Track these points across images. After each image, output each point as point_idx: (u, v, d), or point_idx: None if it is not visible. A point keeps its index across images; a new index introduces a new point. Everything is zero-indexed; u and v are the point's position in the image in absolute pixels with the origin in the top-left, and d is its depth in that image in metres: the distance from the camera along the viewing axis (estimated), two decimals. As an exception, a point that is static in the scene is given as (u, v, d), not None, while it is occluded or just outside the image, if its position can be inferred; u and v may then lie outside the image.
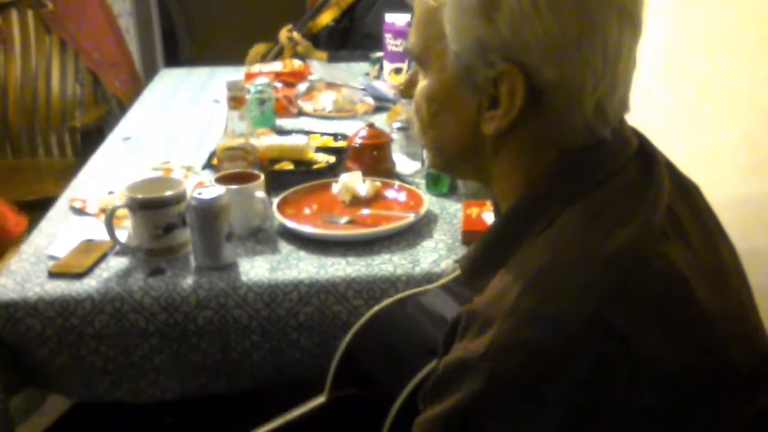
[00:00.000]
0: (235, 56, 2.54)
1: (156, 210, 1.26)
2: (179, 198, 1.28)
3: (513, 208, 0.72)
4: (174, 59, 4.04)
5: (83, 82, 2.83)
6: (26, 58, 2.82)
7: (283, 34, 2.71)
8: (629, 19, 0.67)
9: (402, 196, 1.52)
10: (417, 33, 0.74)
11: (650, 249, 0.64)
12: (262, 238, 1.38)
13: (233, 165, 1.47)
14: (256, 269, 1.27)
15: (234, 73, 2.17)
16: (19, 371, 1.23)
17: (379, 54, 2.32)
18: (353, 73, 2.42)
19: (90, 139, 2.55)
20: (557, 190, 0.69)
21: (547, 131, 0.69)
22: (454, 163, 0.80)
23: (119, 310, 1.21)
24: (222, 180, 1.38)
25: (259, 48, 2.91)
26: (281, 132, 1.88)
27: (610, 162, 0.69)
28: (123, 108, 2.69)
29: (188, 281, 1.24)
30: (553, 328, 0.59)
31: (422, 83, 0.75)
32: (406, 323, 1.05)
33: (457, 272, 0.95)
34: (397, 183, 1.56)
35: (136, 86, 2.88)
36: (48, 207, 1.57)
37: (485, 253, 0.74)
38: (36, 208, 2.27)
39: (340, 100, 2.14)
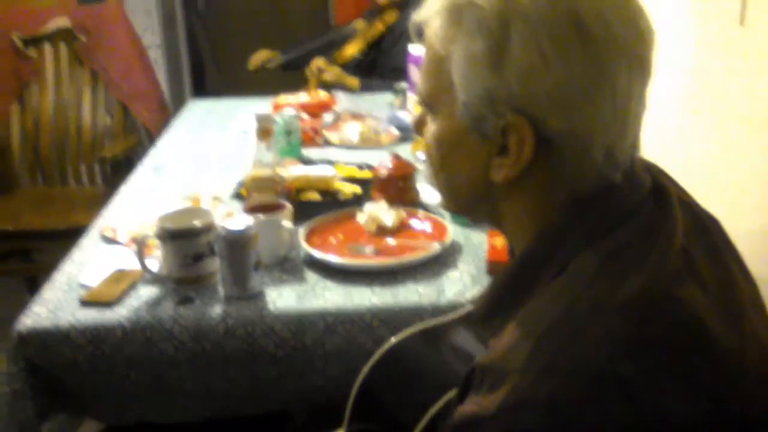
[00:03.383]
0: (261, 87, 2.58)
1: (185, 240, 1.28)
2: (208, 228, 1.31)
3: (525, 253, 0.72)
4: (202, 90, 4.11)
5: (113, 112, 2.89)
6: (58, 89, 2.89)
7: (314, 65, 2.76)
8: (639, 64, 0.68)
9: (427, 226, 1.53)
10: (426, 79, 0.75)
11: (663, 294, 0.63)
12: (288, 267, 1.39)
13: (261, 195, 1.49)
14: (283, 298, 1.29)
15: (261, 104, 2.21)
16: (53, 396, 1.26)
17: (404, 85, 2.35)
18: (378, 103, 2.45)
19: (119, 168, 2.59)
20: (569, 235, 0.69)
21: (557, 177, 0.70)
22: (466, 206, 0.80)
23: (150, 339, 1.23)
24: (250, 210, 1.40)
25: (261, 54, 2.97)
26: (308, 162, 1.91)
27: (621, 206, 0.69)
28: (152, 138, 2.74)
29: (217, 310, 1.26)
30: (566, 384, 0.58)
31: (432, 127, 0.76)
32: (424, 355, 1.06)
33: (470, 308, 0.95)
34: (422, 213, 1.57)
35: (164, 117, 2.93)
36: (79, 235, 1.60)
37: (499, 297, 0.74)
38: (67, 237, 2.32)
39: (365, 130, 2.16)
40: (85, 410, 1.30)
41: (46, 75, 2.87)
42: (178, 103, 3.27)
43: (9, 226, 2.53)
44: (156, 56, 3.37)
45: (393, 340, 1.04)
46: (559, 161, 0.68)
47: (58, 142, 2.86)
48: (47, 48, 2.88)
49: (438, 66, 0.71)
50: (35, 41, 2.87)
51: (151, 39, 3.37)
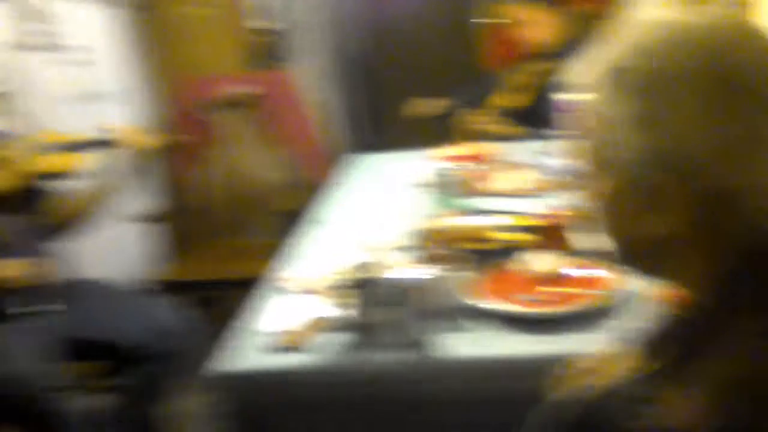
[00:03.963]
0: (415, 141, 2.69)
1: (362, 289, 1.39)
2: (380, 278, 1.41)
3: (692, 311, 0.72)
4: (362, 145, 4.29)
5: (283, 169, 3.13)
6: (236, 149, 3.18)
7: (468, 117, 2.84)
8: None
9: (586, 275, 1.54)
10: (579, 138, 0.76)
11: None
12: (455, 316, 1.46)
13: (428, 246, 1.59)
14: (451, 347, 1.36)
15: (417, 158, 2.32)
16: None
17: (554, 132, 2.37)
18: (530, 152, 2.48)
19: (290, 221, 2.79)
20: (739, 295, 0.68)
21: (723, 234, 0.70)
22: (630, 261, 0.80)
23: (333, 383, 1.35)
24: (418, 261, 1.50)
25: (422, 104, 3.05)
26: (466, 213, 1.98)
27: None
28: (318, 193, 2.92)
29: (390, 357, 1.35)
30: None
31: (592, 183, 0.77)
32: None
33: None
34: (580, 261, 1.58)
35: (329, 172, 3.13)
36: (254, 284, 1.75)
37: (662, 354, 0.74)
38: (244, 286, 2.53)
39: (520, 179, 2.21)
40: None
41: (226, 137, 3.16)
42: (340, 159, 3.47)
43: (203, 276, 2.80)
44: (319, 113, 3.59)
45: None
46: (723, 217, 0.68)
47: (241, 198, 3.14)
48: (230, 112, 3.18)
49: (591, 125, 0.74)
50: (217, 106, 3.18)
51: (320, 97, 3.60)
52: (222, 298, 2.99)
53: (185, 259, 3.07)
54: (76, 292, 2.15)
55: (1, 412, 1.86)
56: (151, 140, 2.27)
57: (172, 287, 2.72)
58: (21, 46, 3.08)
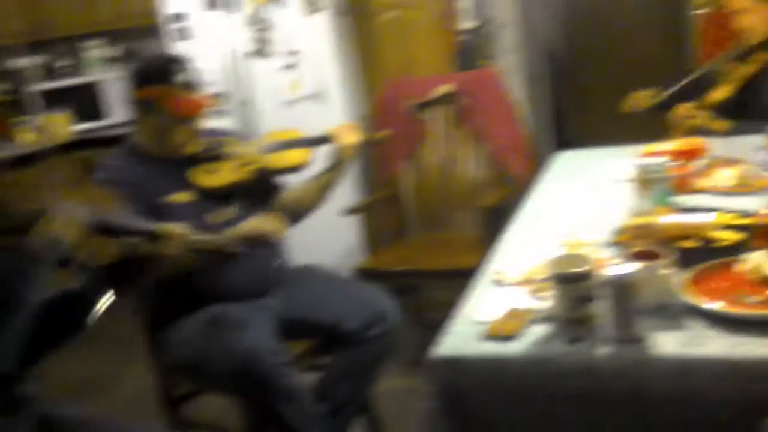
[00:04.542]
0: (620, 137, 2.63)
1: (574, 283, 1.42)
2: (591, 273, 1.43)
3: None
4: (564, 141, 4.26)
5: (488, 165, 3.19)
6: (442, 146, 3.29)
7: (681, 111, 2.74)
8: None
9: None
10: None
11: None
12: (669, 314, 1.44)
13: (639, 243, 1.57)
14: (665, 344, 1.35)
15: (624, 154, 2.28)
16: (459, 418, 1.46)
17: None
18: (749, 147, 2.35)
19: (496, 216, 2.85)
20: None
21: None
22: None
23: (543, 373, 1.38)
24: (632, 257, 1.49)
25: (636, 96, 2.94)
26: (681, 210, 1.93)
27: None
28: (522, 189, 2.95)
29: (603, 351, 1.36)
30: None
31: None
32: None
33: None
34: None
35: (532, 168, 3.15)
36: (460, 276, 1.82)
37: None
38: (450, 276, 2.63)
39: (740, 175, 2.11)
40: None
41: (432, 134, 3.28)
42: (544, 155, 3.48)
43: (402, 267, 2.94)
44: (524, 110, 3.62)
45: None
46: None
47: (442, 193, 3.25)
48: (434, 110, 3.30)
49: None
50: (423, 105, 3.30)
51: (520, 93, 3.63)
52: (420, 288, 3.13)
53: (385, 249, 3.23)
54: (297, 275, 2.34)
55: (237, 385, 2.06)
56: (362, 137, 2.41)
57: (373, 276, 2.87)
58: (246, 52, 3.38)
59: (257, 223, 2.15)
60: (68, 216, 1.48)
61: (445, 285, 2.64)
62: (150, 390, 2.37)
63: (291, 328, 2.21)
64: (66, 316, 1.47)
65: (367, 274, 2.92)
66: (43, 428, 1.43)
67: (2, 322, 1.32)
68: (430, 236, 3.25)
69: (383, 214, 3.42)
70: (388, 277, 2.86)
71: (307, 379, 2.23)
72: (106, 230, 1.72)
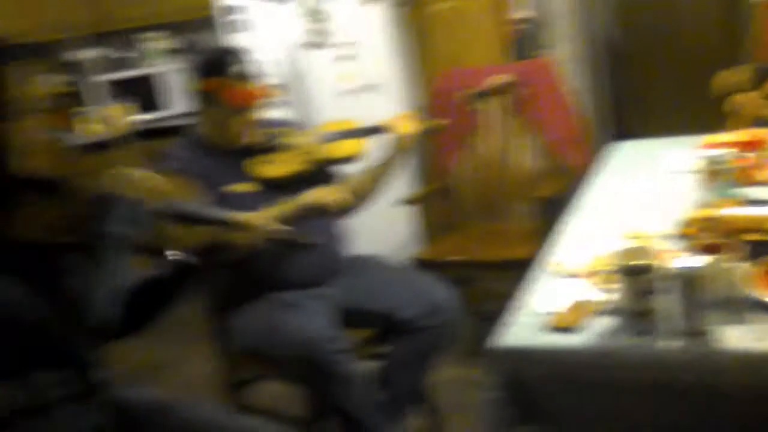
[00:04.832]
0: (679, 128, 2.60)
1: (639, 276, 1.41)
2: (655, 266, 1.42)
3: None
4: (622, 132, 4.21)
5: (544, 156, 3.18)
6: (498, 136, 3.28)
7: (739, 99, 2.70)
8: None
9: None
10: None
11: None
12: (734, 308, 1.43)
13: (705, 235, 1.56)
14: (731, 338, 1.34)
15: (687, 144, 2.24)
16: (522, 408, 1.47)
17: None
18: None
19: (552, 207, 2.84)
20: None
21: None
22: None
23: (607, 365, 1.39)
24: (698, 249, 1.48)
25: (726, 76, 2.88)
26: (747, 202, 1.90)
27: None
28: (579, 179, 2.93)
29: (669, 344, 1.36)
30: None
31: None
32: None
33: None
34: None
35: (589, 159, 3.12)
36: (516, 266, 1.82)
37: None
38: (506, 267, 2.63)
39: (809, 166, 2.07)
40: (545, 424, 1.48)
41: (487, 125, 3.27)
42: (601, 145, 3.44)
43: (458, 257, 2.95)
44: (581, 100, 3.58)
45: None
46: None
47: (498, 184, 3.25)
48: (489, 101, 3.29)
49: None
50: (478, 95, 3.30)
51: (577, 83, 3.60)
52: (476, 278, 3.13)
53: (441, 240, 3.24)
54: (355, 265, 2.37)
55: (297, 371, 2.11)
56: (418, 127, 2.42)
57: (430, 266, 2.88)
58: (303, 43, 3.42)
59: (321, 193, 2.19)
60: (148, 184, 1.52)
61: (501, 276, 2.65)
62: (212, 375, 2.43)
63: (349, 317, 2.25)
64: (149, 302, 1.52)
65: (423, 264, 2.94)
66: (118, 413, 1.48)
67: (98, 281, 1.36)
68: (485, 227, 3.25)
69: (439, 204, 3.43)
70: (444, 268, 2.87)
71: (370, 367, 2.26)
72: (184, 218, 1.77)
